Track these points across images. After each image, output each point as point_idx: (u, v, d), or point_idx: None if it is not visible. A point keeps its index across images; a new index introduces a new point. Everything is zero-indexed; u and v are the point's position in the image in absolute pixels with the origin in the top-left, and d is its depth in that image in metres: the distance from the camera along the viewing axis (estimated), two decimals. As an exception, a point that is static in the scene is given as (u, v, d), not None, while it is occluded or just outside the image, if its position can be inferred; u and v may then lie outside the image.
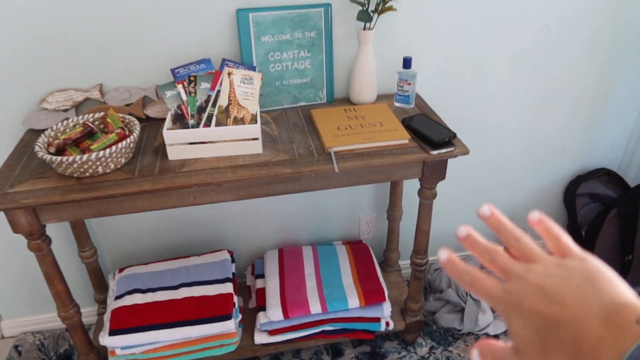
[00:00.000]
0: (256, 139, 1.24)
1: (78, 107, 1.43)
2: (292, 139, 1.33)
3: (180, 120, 1.29)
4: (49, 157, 1.13)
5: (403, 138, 1.29)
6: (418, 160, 1.28)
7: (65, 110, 1.40)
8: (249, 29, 1.36)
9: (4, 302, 1.77)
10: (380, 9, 1.36)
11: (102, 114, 1.31)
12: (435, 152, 1.25)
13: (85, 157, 1.12)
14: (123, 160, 1.21)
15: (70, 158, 1.12)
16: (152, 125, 1.42)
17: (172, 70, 1.33)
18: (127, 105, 1.42)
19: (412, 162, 1.28)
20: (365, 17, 1.33)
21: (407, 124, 1.36)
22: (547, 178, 1.94)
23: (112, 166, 1.19)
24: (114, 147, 1.15)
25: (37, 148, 1.17)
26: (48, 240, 1.23)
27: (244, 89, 1.31)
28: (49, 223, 1.19)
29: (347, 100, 1.54)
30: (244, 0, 1.37)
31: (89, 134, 1.26)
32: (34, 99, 1.39)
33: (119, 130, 1.20)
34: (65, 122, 1.27)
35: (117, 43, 1.35)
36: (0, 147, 1.44)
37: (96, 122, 1.32)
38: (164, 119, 1.44)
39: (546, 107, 1.76)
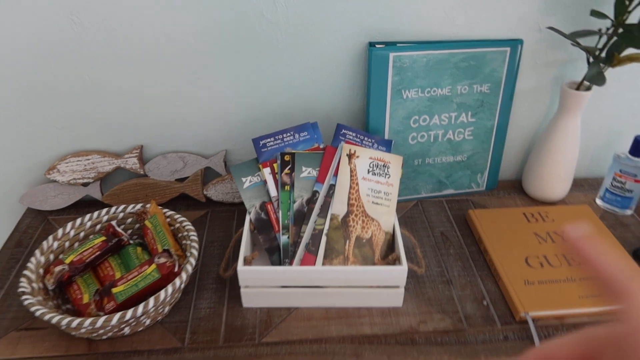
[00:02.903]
0: (396, 287, 0.71)
1: (105, 179, 0.93)
2: (448, 275, 0.78)
3: (263, 231, 0.77)
4: (38, 311, 0.63)
5: (655, 302, 0.73)
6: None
7: (86, 185, 0.90)
8: (385, 76, 0.81)
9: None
10: (616, 58, 0.77)
11: (139, 207, 0.80)
12: None
13: (100, 321, 0.62)
14: (167, 309, 0.71)
15: (75, 322, 0.62)
16: (215, 214, 0.91)
17: (255, 142, 0.80)
18: (180, 179, 0.91)
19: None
20: (597, 77, 0.75)
21: (647, 261, 0.79)
22: None
23: (148, 322, 0.69)
24: (151, 302, 0.64)
25: (22, 283, 0.67)
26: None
27: (374, 184, 0.77)
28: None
29: (515, 189, 0.97)
30: (382, 31, 0.81)
31: (116, 247, 0.76)
32: (40, 165, 0.90)
33: (162, 260, 0.69)
34: (79, 222, 0.77)
35: (171, 80, 0.83)
36: (-9, 228, 0.96)
37: (129, 220, 0.81)
38: (234, 205, 0.92)
39: None
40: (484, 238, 0.83)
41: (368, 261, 0.74)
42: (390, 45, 0.80)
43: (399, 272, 0.69)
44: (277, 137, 0.81)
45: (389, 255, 0.75)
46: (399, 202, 0.93)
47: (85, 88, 0.82)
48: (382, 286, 0.71)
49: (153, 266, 0.69)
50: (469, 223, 0.88)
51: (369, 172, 0.78)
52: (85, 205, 0.92)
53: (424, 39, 0.83)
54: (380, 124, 0.85)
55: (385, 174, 0.78)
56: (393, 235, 0.76)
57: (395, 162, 0.79)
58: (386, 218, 0.76)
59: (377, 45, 0.79)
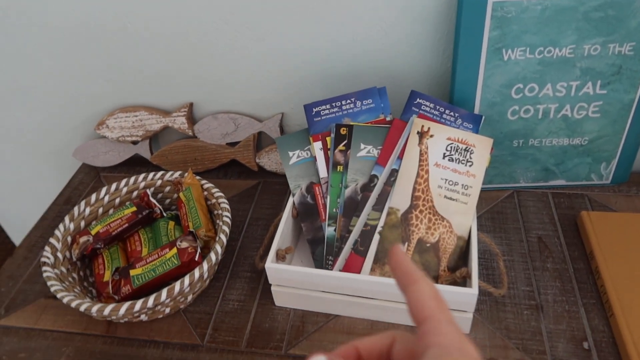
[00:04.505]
0: (464, 311, 0.55)
1: (155, 138, 0.85)
2: (539, 298, 0.60)
3: (308, 219, 0.64)
4: (53, 286, 0.58)
5: None
6: None
7: (135, 143, 0.84)
8: (480, 29, 0.61)
9: None
10: None
11: (177, 175, 0.72)
12: None
13: (107, 309, 0.55)
14: (190, 298, 0.63)
15: (83, 306, 0.56)
16: (267, 185, 0.80)
17: (307, 109, 0.66)
18: (231, 144, 0.81)
19: None
20: None
21: None
22: None
23: (168, 310, 0.61)
24: (163, 294, 0.56)
25: (46, 252, 0.63)
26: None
27: (449, 173, 0.60)
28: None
29: (656, 184, 0.73)
30: (482, -36, 0.60)
31: (147, 219, 0.69)
32: (90, 118, 0.85)
33: (184, 245, 0.60)
34: (114, 187, 0.71)
35: (221, 31, 0.71)
36: (46, 189, 0.96)
37: (167, 189, 0.73)
38: (284, 176, 0.81)
39: None
40: (598, 253, 0.62)
41: (430, 272, 0.59)
42: (492, -14, 0.59)
43: (466, 296, 0.53)
44: (334, 104, 0.66)
45: (458, 266, 0.58)
46: (487, 190, 0.74)
47: (127, 36, 0.73)
48: (443, 308, 0.55)
49: (174, 250, 0.60)
50: (580, 229, 0.67)
51: (444, 157, 0.60)
52: (136, 164, 0.87)
53: (542, -22, 0.60)
54: (469, 94, 0.65)
55: (467, 160, 0.60)
56: (468, 242, 0.59)
57: (481, 146, 0.60)
58: (461, 218, 0.59)
59: (472, -13, 0.59)
